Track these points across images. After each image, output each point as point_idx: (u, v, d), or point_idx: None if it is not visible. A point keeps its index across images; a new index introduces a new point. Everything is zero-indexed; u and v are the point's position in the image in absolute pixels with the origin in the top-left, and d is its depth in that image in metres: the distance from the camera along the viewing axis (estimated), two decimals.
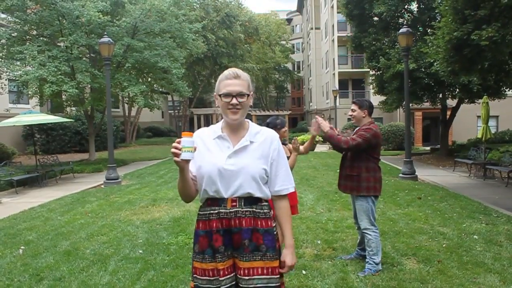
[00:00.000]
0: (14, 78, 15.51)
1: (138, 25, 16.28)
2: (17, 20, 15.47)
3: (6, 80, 16.57)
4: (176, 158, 2.02)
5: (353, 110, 4.68)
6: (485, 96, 14.01)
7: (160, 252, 5.41)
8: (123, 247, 5.69)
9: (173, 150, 2.02)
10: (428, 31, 16.38)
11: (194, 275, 2.25)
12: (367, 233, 4.56)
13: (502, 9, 8.62)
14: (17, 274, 4.82)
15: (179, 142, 2.01)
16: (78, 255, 5.42)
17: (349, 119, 32.39)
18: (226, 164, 2.16)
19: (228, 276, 2.18)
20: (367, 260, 4.61)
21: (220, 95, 2.20)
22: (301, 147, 4.76)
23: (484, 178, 12.35)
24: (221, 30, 32.13)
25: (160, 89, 23.07)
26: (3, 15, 15.97)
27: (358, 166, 4.55)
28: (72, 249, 5.66)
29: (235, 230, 2.17)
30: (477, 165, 13.16)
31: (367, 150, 4.53)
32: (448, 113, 19.61)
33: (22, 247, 5.83)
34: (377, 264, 4.54)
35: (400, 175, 12.12)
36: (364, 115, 4.62)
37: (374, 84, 20.13)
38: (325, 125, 4.48)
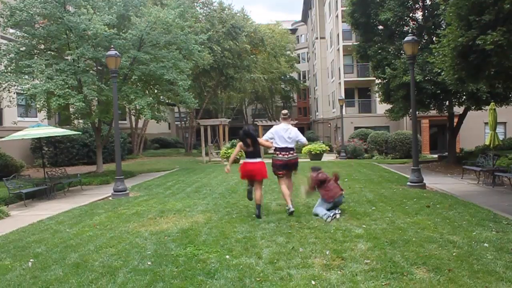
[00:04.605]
0: (22, 91, 15.70)
1: (144, 38, 16.42)
2: (25, 34, 15.70)
3: (14, 93, 16.75)
4: None
5: None
6: (492, 103, 13.93)
7: (169, 263, 5.40)
8: (131, 259, 5.69)
9: None
10: (434, 39, 16.39)
11: None
12: None
13: (506, 14, 8.61)
14: (26, 286, 4.84)
15: None
16: (87, 267, 5.43)
17: (356, 128, 32.58)
18: None
19: None
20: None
21: None
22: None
23: (493, 185, 12.24)
24: (226, 41, 32.25)
25: (167, 101, 23.19)
26: (12, 30, 16.22)
27: None
28: (81, 262, 5.67)
29: None
30: (486, 172, 13.05)
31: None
32: (455, 120, 19.52)
33: (31, 260, 5.85)
34: None
35: (408, 183, 12.04)
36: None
37: (380, 93, 20.13)
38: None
